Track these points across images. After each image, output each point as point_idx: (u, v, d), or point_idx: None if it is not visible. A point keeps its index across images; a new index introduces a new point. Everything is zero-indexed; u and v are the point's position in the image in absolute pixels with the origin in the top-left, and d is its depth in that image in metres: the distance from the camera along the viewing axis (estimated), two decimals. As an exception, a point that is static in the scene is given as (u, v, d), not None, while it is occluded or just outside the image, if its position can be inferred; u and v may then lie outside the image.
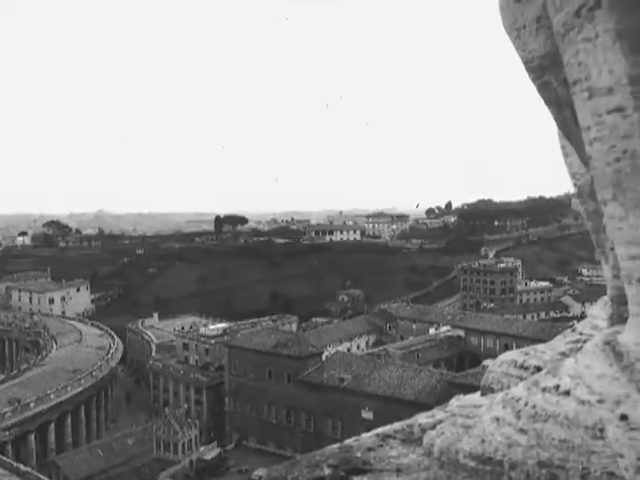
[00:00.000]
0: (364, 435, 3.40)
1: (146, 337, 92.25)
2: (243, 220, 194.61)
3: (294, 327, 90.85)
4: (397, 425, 3.50)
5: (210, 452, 60.97)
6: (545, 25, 2.80)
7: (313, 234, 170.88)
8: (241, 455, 61.05)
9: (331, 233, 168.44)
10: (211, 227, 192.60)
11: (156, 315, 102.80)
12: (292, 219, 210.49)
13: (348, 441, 3.31)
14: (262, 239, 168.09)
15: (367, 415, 56.17)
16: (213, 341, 79.81)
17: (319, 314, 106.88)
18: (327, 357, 65.85)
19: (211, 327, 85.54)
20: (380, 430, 3.44)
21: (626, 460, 2.19)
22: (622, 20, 2.14)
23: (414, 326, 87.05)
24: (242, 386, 67.58)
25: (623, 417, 2.30)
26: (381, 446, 3.18)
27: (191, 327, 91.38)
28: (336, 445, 3.26)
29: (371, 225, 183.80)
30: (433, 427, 3.18)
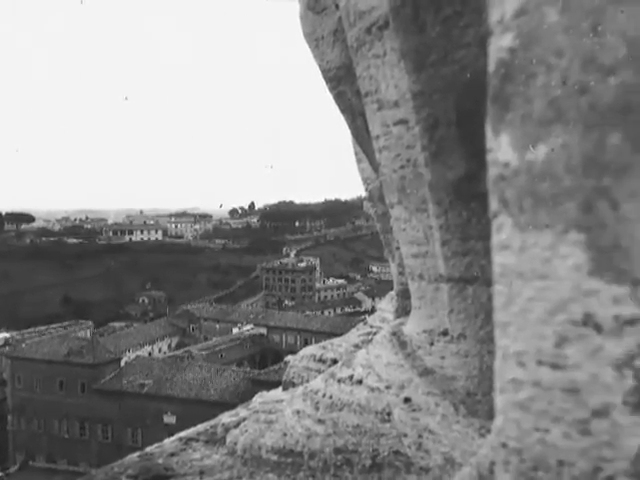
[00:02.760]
0: (166, 440, 3.30)
1: None
2: (29, 218, 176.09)
3: (89, 333, 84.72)
4: (200, 427, 3.45)
5: (-13, 478, 54.16)
6: (341, 38, 2.97)
7: (111, 234, 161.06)
8: (27, 477, 55.26)
9: (131, 233, 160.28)
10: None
11: None
12: (87, 217, 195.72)
13: (149, 448, 3.18)
14: (52, 239, 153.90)
15: (170, 420, 54.51)
16: (-9, 353, 71.00)
17: (118, 318, 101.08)
18: (126, 363, 62.56)
19: (-12, 338, 76.06)
20: (183, 434, 3.36)
21: (409, 439, 2.43)
22: (406, 41, 2.35)
23: (218, 326, 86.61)
24: (28, 401, 61.12)
25: (406, 400, 2.54)
26: (184, 450, 3.11)
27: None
28: (136, 454, 3.11)
29: (174, 225, 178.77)
30: (237, 425, 3.20)
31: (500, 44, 1.12)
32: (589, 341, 1.04)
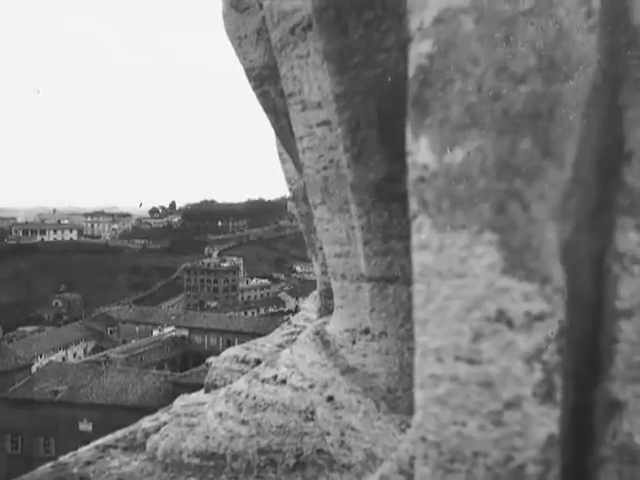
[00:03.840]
0: (82, 449, 3.16)
1: None
2: None
3: (-4, 339, 79.88)
4: (119, 433, 3.34)
5: None
6: (265, 37, 2.96)
7: (20, 233, 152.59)
8: None
9: (43, 232, 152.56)
10: None
11: None
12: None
13: (63, 458, 3.04)
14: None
15: (86, 427, 52.32)
16: None
17: (28, 322, 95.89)
18: (38, 369, 59.52)
19: None
20: (100, 441, 3.24)
21: (332, 437, 2.45)
22: (329, 43, 2.37)
23: (137, 329, 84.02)
24: None
25: (330, 398, 2.56)
26: (101, 458, 3.00)
27: None
28: (49, 464, 2.97)
29: (90, 224, 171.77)
30: (157, 430, 3.12)
31: (419, 50, 1.15)
32: (502, 336, 1.09)
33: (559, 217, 1.07)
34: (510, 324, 1.09)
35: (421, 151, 1.15)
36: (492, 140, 1.08)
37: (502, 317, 1.09)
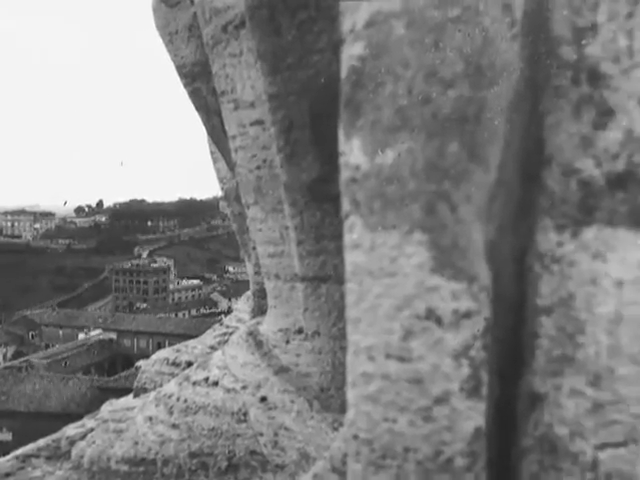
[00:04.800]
0: (1, 459, 3.01)
1: None
2: None
3: None
4: (41, 442, 3.20)
5: None
6: (196, 34, 2.91)
7: None
8: None
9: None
10: None
11: None
12: None
13: (-20, 470, 2.89)
14: None
15: (5, 437, 49.72)
16: None
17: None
18: (-48, 377, 56.10)
19: None
20: (20, 451, 3.09)
21: (265, 437, 2.44)
22: (262, 42, 2.36)
23: (62, 332, 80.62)
24: None
25: (263, 399, 2.55)
26: (22, 468, 2.86)
27: None
28: (-36, 478, 2.80)
29: (9, 223, 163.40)
30: (83, 437, 3.01)
31: (351, 52, 1.16)
32: (431, 334, 1.12)
33: (485, 218, 1.11)
34: (439, 322, 1.12)
35: (353, 152, 1.17)
36: (422, 142, 1.10)
37: (431, 315, 1.12)
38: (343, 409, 1.36)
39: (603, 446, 1.12)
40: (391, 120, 1.12)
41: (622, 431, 1.10)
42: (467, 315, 1.11)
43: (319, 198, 2.43)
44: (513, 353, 1.20)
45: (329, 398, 2.49)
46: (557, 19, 1.15)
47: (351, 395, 1.21)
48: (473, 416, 1.11)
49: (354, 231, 1.18)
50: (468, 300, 1.11)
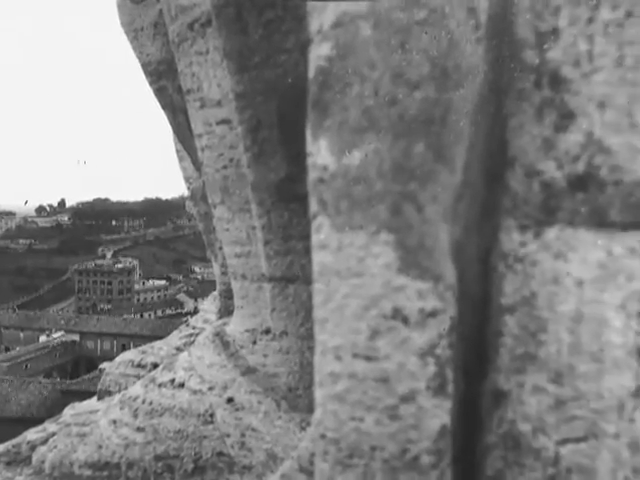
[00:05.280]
0: (-42, 467, 2.92)
1: None
2: None
3: None
4: (1, 447, 3.11)
5: None
6: (162, 31, 2.88)
7: None
8: None
9: None
10: None
11: None
12: None
13: (-64, 478, 2.80)
14: None
15: (-38, 443, 48.31)
16: None
17: None
18: None
19: None
20: (-21, 457, 3.01)
21: (232, 439, 2.43)
22: (229, 41, 2.35)
23: (22, 334, 78.65)
24: None
25: (230, 400, 2.53)
26: (-20, 475, 2.78)
27: None
28: None
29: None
30: (44, 442, 2.94)
31: (319, 52, 1.16)
32: (397, 333, 1.13)
33: (450, 218, 1.13)
34: (405, 321, 1.13)
35: (320, 152, 1.17)
36: (388, 143, 1.11)
37: (398, 314, 1.13)
38: (311, 409, 1.37)
39: (564, 441, 1.14)
40: (358, 121, 1.13)
41: (582, 426, 1.13)
42: (433, 314, 1.12)
43: (287, 198, 2.43)
44: (478, 351, 1.22)
45: (297, 398, 2.49)
46: (520, 23, 1.17)
47: (319, 395, 1.21)
48: (439, 414, 1.12)
49: (322, 231, 1.18)
50: (434, 299, 1.12)
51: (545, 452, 1.16)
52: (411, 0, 1.10)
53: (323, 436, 1.20)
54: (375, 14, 1.11)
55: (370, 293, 1.14)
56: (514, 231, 1.19)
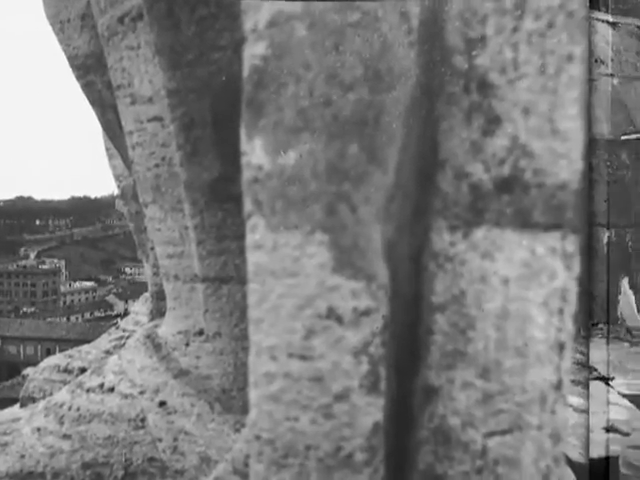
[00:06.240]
0: None
1: None
2: None
3: None
4: None
5: None
6: (90, 24, 2.78)
7: None
8: None
9: None
10: None
11: None
12: None
13: None
14: None
15: None
16: None
17: None
18: None
19: None
20: None
21: (164, 443, 2.38)
22: (160, 36, 2.30)
23: (-64, 341, 74.04)
24: None
25: (162, 404, 2.48)
26: None
27: None
28: None
29: None
30: (-39, 454, 2.78)
31: (253, 51, 1.16)
32: (332, 332, 1.14)
33: (383, 219, 1.15)
34: (340, 320, 1.14)
35: (255, 152, 1.16)
36: (323, 144, 1.12)
37: (332, 314, 1.14)
38: (245, 410, 1.36)
39: (491, 434, 1.19)
40: (293, 121, 1.13)
41: (508, 419, 1.18)
42: (366, 313, 1.14)
43: (220, 198, 2.40)
44: (410, 349, 1.25)
45: (231, 400, 2.46)
46: (450, 30, 1.21)
47: (253, 395, 1.21)
48: (372, 411, 1.14)
49: (256, 231, 1.17)
50: (367, 299, 1.14)
51: (473, 445, 1.20)
52: (345, 2, 1.11)
53: (258, 437, 1.19)
54: (310, 15, 1.12)
55: (305, 293, 1.14)
56: (444, 231, 1.23)
